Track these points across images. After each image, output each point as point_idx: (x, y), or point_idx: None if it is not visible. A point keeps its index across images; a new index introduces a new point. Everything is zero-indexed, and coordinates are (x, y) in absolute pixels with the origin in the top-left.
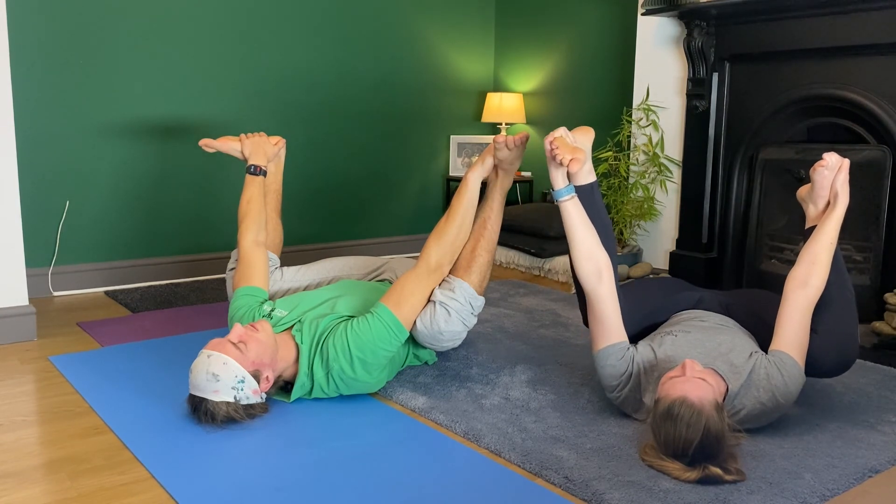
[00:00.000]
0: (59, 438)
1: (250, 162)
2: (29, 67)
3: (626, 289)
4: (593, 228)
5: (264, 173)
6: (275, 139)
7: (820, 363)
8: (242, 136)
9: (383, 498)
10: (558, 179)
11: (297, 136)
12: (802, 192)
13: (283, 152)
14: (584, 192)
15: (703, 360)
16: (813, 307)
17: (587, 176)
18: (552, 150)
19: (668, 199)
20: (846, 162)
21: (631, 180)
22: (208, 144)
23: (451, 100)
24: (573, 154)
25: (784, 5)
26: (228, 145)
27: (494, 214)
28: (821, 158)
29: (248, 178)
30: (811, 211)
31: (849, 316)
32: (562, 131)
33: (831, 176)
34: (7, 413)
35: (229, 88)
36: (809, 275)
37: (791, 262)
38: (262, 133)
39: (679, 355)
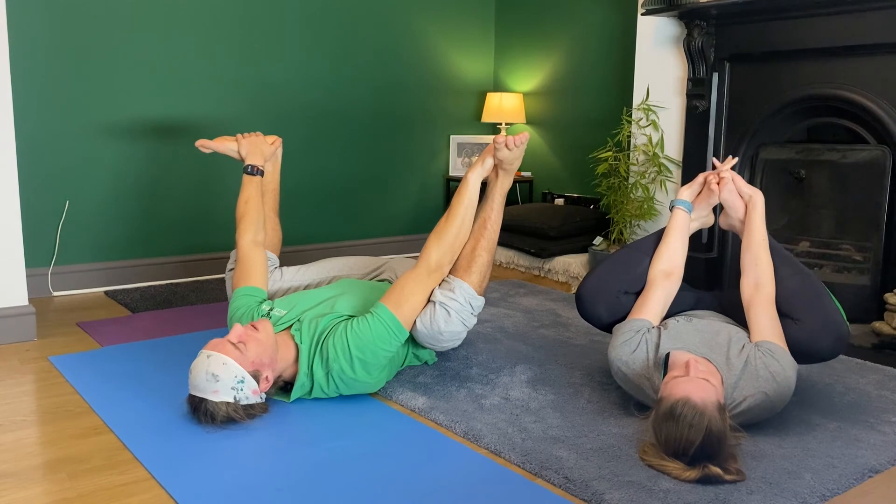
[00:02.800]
0: (59, 438)
1: (247, 162)
2: (29, 67)
3: None
4: (686, 244)
5: (261, 173)
6: (271, 138)
7: (816, 346)
8: (239, 136)
9: (383, 498)
10: (685, 193)
11: (297, 136)
12: (723, 222)
13: (279, 151)
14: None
15: (700, 348)
16: (774, 301)
17: (707, 221)
18: (723, 174)
19: (668, 199)
20: (726, 173)
21: (631, 180)
22: (205, 145)
23: (451, 100)
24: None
25: (784, 5)
26: (225, 145)
27: (494, 214)
28: (710, 185)
29: (246, 178)
30: (739, 226)
31: (821, 296)
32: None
33: (734, 187)
34: (7, 413)
35: (229, 88)
36: (758, 276)
37: None
38: (258, 133)
39: (680, 338)
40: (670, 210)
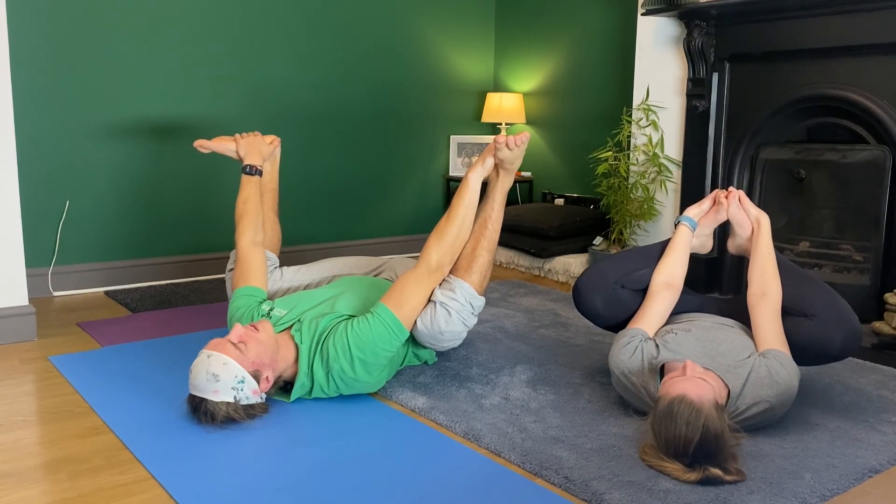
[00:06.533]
0: (59, 438)
1: (246, 162)
2: (29, 67)
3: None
4: (687, 260)
5: (260, 173)
6: (269, 138)
7: (829, 341)
8: (237, 135)
9: (383, 498)
10: (695, 210)
11: (297, 136)
12: (731, 246)
13: (278, 151)
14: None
15: (701, 359)
16: (780, 309)
17: (706, 244)
18: (732, 189)
19: (668, 199)
20: (734, 190)
21: (631, 180)
22: (203, 145)
23: (451, 100)
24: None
25: (784, 5)
26: (223, 146)
27: (495, 214)
28: (718, 206)
29: (244, 178)
30: (747, 245)
31: (832, 293)
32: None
33: (742, 207)
34: (7, 413)
35: (229, 88)
36: (764, 285)
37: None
38: (256, 132)
39: (679, 352)
40: (675, 226)
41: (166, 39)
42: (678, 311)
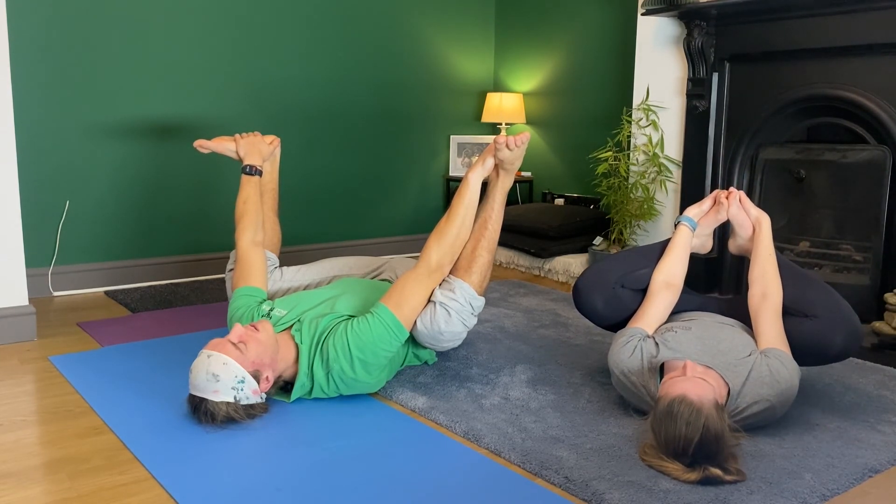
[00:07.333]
0: (59, 438)
1: (245, 162)
2: (29, 67)
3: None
4: (687, 260)
5: (260, 173)
6: (269, 138)
7: (830, 342)
8: (237, 136)
9: (383, 498)
10: (695, 210)
11: (297, 136)
12: (732, 247)
13: (278, 151)
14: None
15: (701, 357)
16: (780, 310)
17: (706, 244)
18: (732, 189)
19: (668, 199)
20: (735, 190)
21: (631, 180)
22: (203, 145)
23: (451, 100)
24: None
25: (784, 5)
26: (223, 146)
27: (495, 214)
28: (719, 206)
29: (244, 178)
30: (748, 245)
31: (833, 294)
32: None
33: (742, 208)
34: (7, 413)
35: (229, 88)
36: (765, 286)
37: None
38: (256, 132)
39: (679, 350)
40: (675, 226)
41: (166, 39)
42: (678, 310)
